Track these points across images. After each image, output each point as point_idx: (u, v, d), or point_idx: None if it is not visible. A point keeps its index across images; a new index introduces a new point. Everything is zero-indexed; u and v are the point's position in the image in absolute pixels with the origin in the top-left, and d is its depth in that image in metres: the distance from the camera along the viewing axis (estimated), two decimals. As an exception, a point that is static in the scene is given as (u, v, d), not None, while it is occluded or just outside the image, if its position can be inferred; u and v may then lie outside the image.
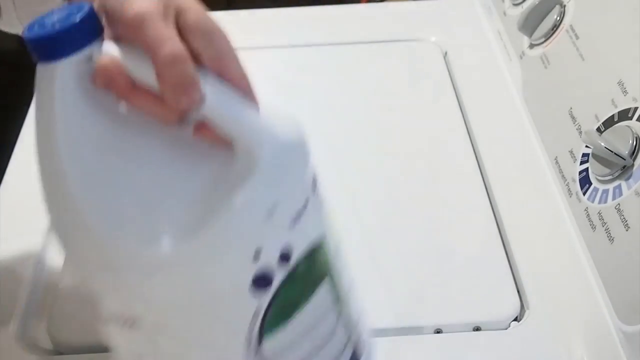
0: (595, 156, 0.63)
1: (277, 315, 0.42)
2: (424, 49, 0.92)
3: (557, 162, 0.70)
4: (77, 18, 0.37)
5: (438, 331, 0.62)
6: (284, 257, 0.40)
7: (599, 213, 0.62)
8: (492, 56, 0.88)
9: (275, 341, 0.42)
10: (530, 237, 0.69)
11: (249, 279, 0.39)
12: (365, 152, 0.78)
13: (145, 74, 0.36)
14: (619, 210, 0.59)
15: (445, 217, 0.71)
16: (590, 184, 0.64)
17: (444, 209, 0.72)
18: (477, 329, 0.63)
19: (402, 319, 0.63)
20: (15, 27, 0.64)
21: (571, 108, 0.69)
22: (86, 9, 0.38)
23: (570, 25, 0.72)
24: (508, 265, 0.67)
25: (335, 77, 0.88)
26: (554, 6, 0.75)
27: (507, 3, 0.86)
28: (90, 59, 0.38)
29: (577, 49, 0.70)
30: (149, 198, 0.38)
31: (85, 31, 0.38)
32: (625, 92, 0.62)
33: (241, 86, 0.37)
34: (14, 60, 0.78)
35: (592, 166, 0.64)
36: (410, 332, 0.62)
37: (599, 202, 0.62)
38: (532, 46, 0.78)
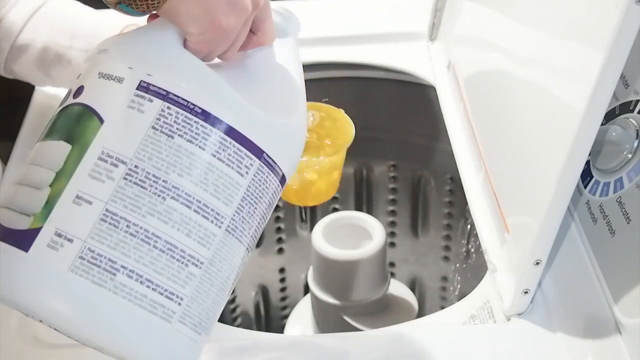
0: (596, 149, 0.63)
1: None
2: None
3: (558, 155, 0.70)
4: None
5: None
6: None
7: (600, 206, 0.62)
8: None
9: None
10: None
11: None
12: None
13: None
14: (620, 203, 0.59)
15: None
16: (592, 177, 0.64)
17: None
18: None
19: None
20: None
21: (572, 101, 0.68)
22: None
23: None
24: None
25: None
26: None
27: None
28: None
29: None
30: None
31: None
32: (626, 84, 0.62)
33: None
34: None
35: (594, 159, 0.64)
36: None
37: (600, 195, 0.62)
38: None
